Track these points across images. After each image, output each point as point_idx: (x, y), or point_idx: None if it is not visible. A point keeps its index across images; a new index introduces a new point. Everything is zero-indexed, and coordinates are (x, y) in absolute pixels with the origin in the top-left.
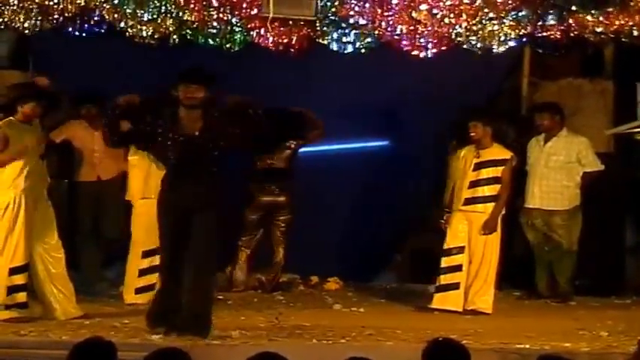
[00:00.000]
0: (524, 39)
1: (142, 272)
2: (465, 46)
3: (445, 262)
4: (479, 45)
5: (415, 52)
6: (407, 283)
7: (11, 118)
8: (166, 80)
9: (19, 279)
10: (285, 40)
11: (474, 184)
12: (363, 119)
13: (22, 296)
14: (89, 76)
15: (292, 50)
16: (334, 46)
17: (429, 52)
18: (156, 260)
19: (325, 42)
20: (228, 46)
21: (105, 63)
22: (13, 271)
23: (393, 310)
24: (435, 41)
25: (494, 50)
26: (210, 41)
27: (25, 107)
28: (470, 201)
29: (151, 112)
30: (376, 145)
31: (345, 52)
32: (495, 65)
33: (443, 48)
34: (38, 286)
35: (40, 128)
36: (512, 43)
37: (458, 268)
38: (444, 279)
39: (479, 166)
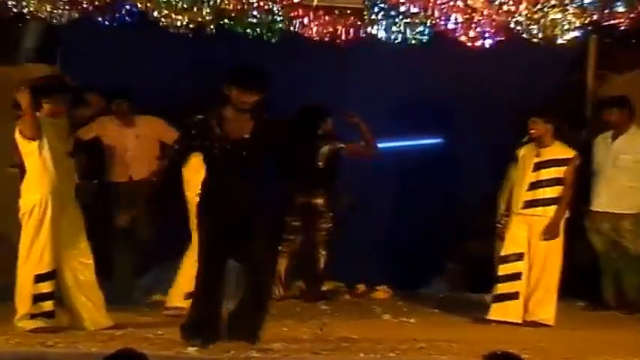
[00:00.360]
0: (590, 28)
1: None
2: (524, 36)
3: (503, 269)
4: (540, 35)
5: (471, 43)
6: (461, 291)
7: (37, 113)
8: (202, 72)
9: (46, 286)
10: (331, 30)
11: (534, 186)
12: (414, 115)
13: (48, 305)
14: (120, 68)
15: (338, 41)
16: (383, 37)
17: (485, 42)
18: None
19: (373, 32)
20: (268, 36)
21: (137, 55)
22: (39, 278)
23: (447, 321)
24: (493, 31)
25: (557, 40)
26: (250, 31)
27: (49, 101)
28: (529, 204)
29: (196, 125)
30: (428, 143)
31: (395, 42)
32: (558, 57)
33: (501, 38)
34: (66, 295)
35: (68, 125)
36: (576, 33)
37: (517, 277)
38: (502, 288)
39: (539, 166)
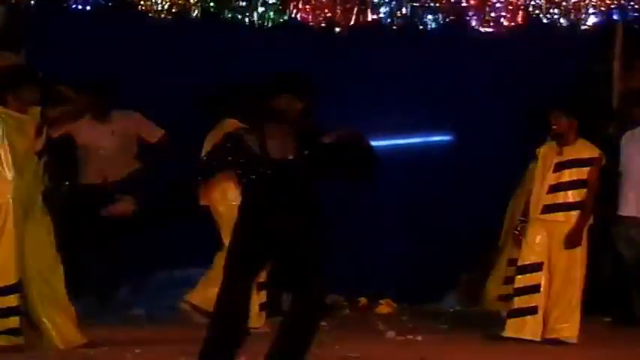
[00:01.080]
0: (616, 12)
1: None
2: (544, 21)
3: (520, 281)
4: (562, 19)
5: (485, 29)
6: (474, 306)
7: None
8: (185, 63)
9: (10, 300)
10: (329, 15)
11: (555, 188)
12: (423, 109)
13: (14, 321)
14: (93, 58)
15: (337, 27)
16: (386, 22)
17: (501, 28)
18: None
19: (375, 17)
20: (260, 22)
21: (112, 43)
22: (3, 292)
23: (458, 338)
24: (509, 15)
25: (581, 26)
26: (239, 16)
27: (14, 94)
28: (550, 208)
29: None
30: (438, 140)
31: (400, 28)
32: (581, 44)
33: (518, 23)
34: (33, 310)
35: (37, 121)
36: (601, 17)
37: (535, 289)
38: (519, 302)
39: (561, 167)
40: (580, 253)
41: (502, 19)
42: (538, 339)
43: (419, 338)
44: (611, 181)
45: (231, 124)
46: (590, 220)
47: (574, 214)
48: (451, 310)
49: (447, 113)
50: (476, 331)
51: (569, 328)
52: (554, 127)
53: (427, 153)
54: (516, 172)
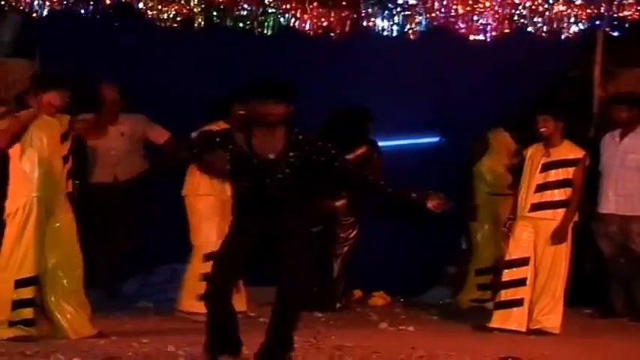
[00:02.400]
0: (598, 21)
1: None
2: (529, 29)
3: (507, 275)
4: (545, 28)
5: (472, 37)
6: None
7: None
8: (190, 68)
9: (26, 292)
10: (325, 23)
11: (542, 187)
12: (413, 112)
13: (28, 312)
14: (103, 64)
15: (332, 34)
16: (380, 30)
17: (487, 35)
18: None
19: (370, 25)
20: (259, 30)
21: (121, 50)
22: (20, 284)
23: (447, 329)
24: (495, 24)
25: (563, 34)
26: (240, 24)
27: (46, 96)
28: (537, 206)
29: (221, 135)
30: (427, 141)
31: (393, 36)
32: (564, 51)
33: (504, 31)
34: (48, 303)
35: (68, 128)
36: (583, 26)
37: (521, 282)
38: (506, 294)
39: (547, 167)
40: (565, 248)
41: (488, 27)
42: (523, 329)
43: (410, 329)
44: (592, 180)
45: (219, 125)
46: (575, 218)
47: (560, 211)
48: (441, 302)
49: (435, 116)
50: (465, 322)
51: (552, 320)
52: (543, 129)
53: (418, 153)
54: None
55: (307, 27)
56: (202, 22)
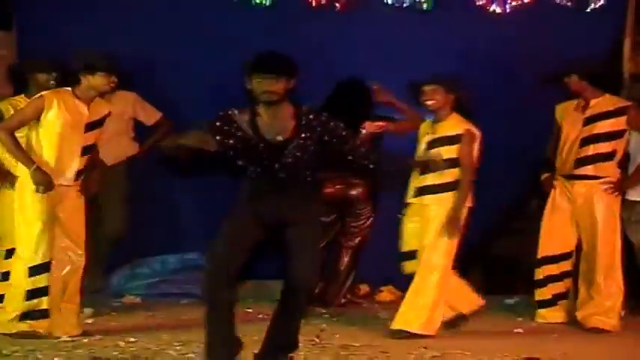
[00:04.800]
0: None
1: None
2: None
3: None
4: None
5: (490, 7)
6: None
7: (68, 88)
8: (173, 40)
9: (41, 280)
10: None
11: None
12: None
13: (43, 302)
14: (87, 36)
15: (336, 4)
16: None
17: (507, 6)
18: None
19: None
20: (258, 1)
21: (107, 21)
22: (34, 271)
23: (462, 327)
24: None
25: (590, 4)
26: None
27: (92, 79)
28: (421, 190)
29: (222, 119)
30: None
31: (403, 6)
32: (592, 23)
33: (525, 1)
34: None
35: (97, 119)
36: None
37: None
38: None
39: (432, 145)
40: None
41: None
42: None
43: None
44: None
45: None
46: (469, 203)
47: (444, 196)
48: None
49: None
50: (481, 320)
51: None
52: (430, 101)
53: None
54: (525, 159)
55: None
56: None
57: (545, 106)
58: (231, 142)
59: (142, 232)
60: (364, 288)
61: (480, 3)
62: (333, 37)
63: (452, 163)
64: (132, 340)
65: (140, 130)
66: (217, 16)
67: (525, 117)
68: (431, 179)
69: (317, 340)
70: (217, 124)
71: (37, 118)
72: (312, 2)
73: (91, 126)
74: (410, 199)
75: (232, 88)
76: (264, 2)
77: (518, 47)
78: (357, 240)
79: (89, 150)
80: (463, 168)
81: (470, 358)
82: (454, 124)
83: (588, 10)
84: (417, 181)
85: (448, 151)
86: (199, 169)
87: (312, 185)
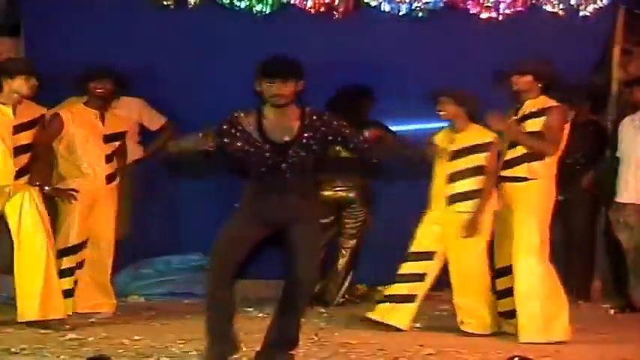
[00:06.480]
0: None
1: None
2: (545, 7)
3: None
4: (562, 5)
5: (484, 15)
6: None
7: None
8: (185, 49)
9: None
10: (327, 0)
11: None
12: (421, 95)
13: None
14: (93, 44)
15: (335, 12)
16: (386, 7)
17: (500, 14)
18: None
19: (375, 2)
20: (258, 8)
21: (112, 29)
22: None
23: (458, 326)
24: (509, 1)
25: (581, 12)
26: (236, 2)
27: (12, 83)
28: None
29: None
30: (437, 126)
31: (399, 14)
32: (583, 31)
33: (518, 9)
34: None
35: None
36: (603, 2)
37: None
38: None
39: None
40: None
41: (501, 5)
42: None
43: (418, 325)
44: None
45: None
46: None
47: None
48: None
49: None
50: None
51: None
52: (442, 112)
53: (425, 139)
54: None
55: (308, 4)
56: (197, 1)
57: None
58: (238, 144)
59: (146, 233)
60: (361, 288)
61: (474, 11)
62: (332, 43)
63: (479, 170)
64: (136, 338)
65: (144, 134)
66: (218, 25)
67: None
68: (460, 187)
69: (316, 338)
70: (224, 127)
71: None
72: (311, 10)
73: (19, 128)
74: (436, 206)
75: (234, 94)
76: (264, 10)
77: (510, 54)
78: (354, 241)
79: (25, 150)
80: (487, 174)
81: (465, 355)
82: (477, 134)
83: (579, 18)
84: (446, 189)
85: (476, 159)
86: (202, 170)
87: (312, 185)
